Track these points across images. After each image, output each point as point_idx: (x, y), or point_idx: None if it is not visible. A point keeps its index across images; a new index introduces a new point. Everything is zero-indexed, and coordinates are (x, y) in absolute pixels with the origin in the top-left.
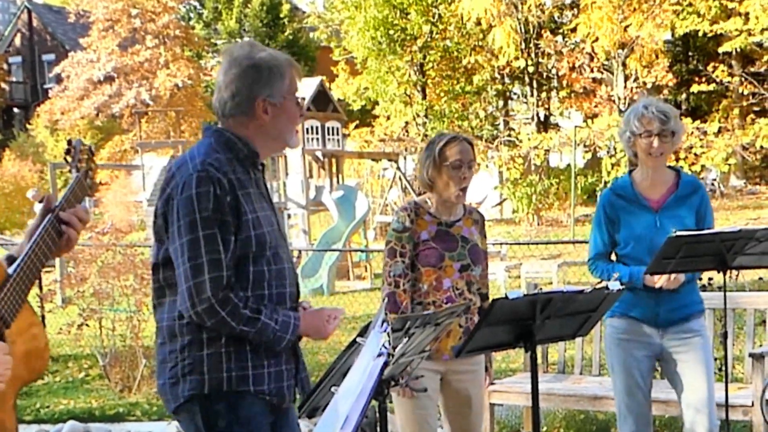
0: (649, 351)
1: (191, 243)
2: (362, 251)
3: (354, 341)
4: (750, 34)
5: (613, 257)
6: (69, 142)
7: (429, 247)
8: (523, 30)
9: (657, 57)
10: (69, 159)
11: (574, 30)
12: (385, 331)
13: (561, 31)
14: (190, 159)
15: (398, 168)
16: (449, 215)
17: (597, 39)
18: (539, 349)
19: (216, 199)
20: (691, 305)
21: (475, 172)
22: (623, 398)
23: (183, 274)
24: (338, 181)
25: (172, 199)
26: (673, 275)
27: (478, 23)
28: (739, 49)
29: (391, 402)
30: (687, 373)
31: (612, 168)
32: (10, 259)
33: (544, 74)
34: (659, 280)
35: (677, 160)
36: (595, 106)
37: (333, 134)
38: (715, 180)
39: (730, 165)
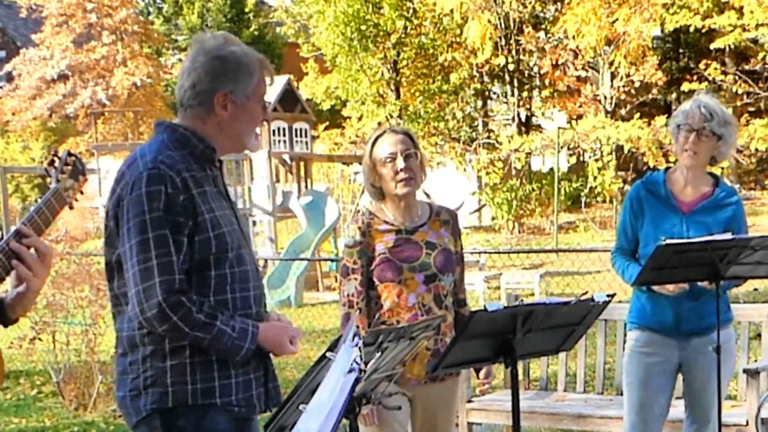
0: (670, 365)
1: (141, 245)
2: (332, 260)
3: (323, 356)
4: (744, 30)
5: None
6: (55, 153)
7: (384, 260)
8: (502, 25)
9: (645, 54)
10: (52, 170)
11: (557, 25)
12: (356, 345)
13: (543, 26)
14: (140, 157)
15: None
16: (410, 220)
17: (582, 35)
18: (520, 364)
19: (167, 198)
20: (713, 315)
21: (428, 165)
22: (631, 417)
23: (132, 277)
24: (307, 186)
25: (122, 200)
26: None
27: (454, 18)
28: (732, 46)
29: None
30: (696, 389)
31: (598, 172)
32: None
33: (526, 72)
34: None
35: (667, 162)
36: (580, 107)
37: (301, 136)
38: None
39: (722, 169)
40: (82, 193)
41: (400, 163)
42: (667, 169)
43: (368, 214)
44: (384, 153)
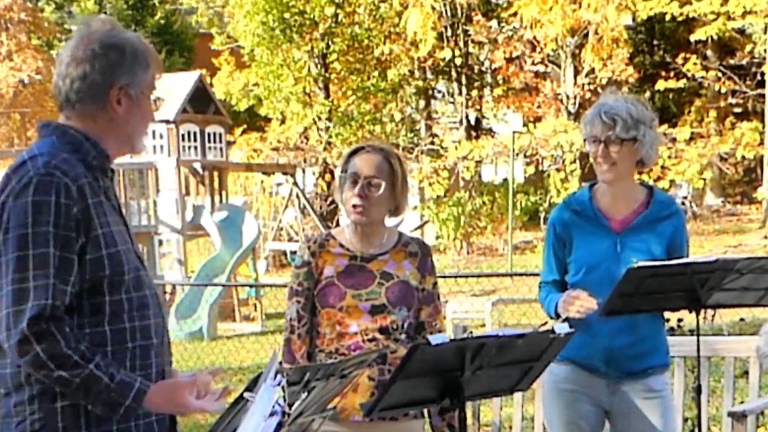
0: (597, 405)
1: (18, 262)
2: (251, 286)
3: (240, 397)
4: (729, 19)
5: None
6: None
7: (330, 284)
8: (448, 13)
9: (616, 46)
10: None
11: (512, 14)
12: (279, 384)
13: (496, 14)
14: (30, 159)
15: (295, 183)
16: (368, 247)
17: (541, 24)
18: (469, 406)
19: (58, 210)
20: (652, 355)
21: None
22: None
23: (4, 298)
24: (221, 200)
25: (5, 206)
26: (581, 304)
27: (392, 4)
28: (715, 37)
29: None
30: None
31: (561, 184)
32: None
33: (475, 67)
34: (571, 308)
35: (640, 173)
36: (538, 107)
37: (215, 141)
38: (686, 198)
39: (704, 180)
40: None
41: (364, 189)
42: (592, 184)
43: (325, 234)
44: (351, 168)
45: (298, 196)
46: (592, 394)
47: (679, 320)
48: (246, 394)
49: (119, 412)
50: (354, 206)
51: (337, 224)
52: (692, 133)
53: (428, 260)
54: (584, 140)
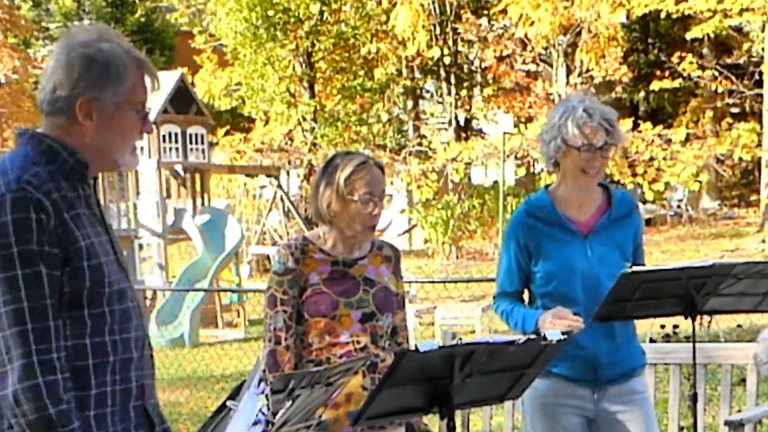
0: (582, 416)
1: (7, 283)
2: (234, 291)
3: (223, 405)
4: (726, 16)
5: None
6: None
7: (318, 292)
8: (437, 11)
9: (609, 44)
10: None
11: (503, 11)
12: (262, 392)
13: (486, 11)
14: (1, 175)
15: (279, 186)
16: (349, 252)
17: (532, 22)
18: (458, 415)
19: (39, 227)
20: (631, 358)
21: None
22: None
23: None
24: (203, 203)
25: None
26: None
27: (380, 2)
28: (711, 35)
29: None
30: None
31: None
32: None
33: (465, 67)
34: (556, 324)
35: (634, 175)
36: (530, 107)
37: (197, 143)
38: (681, 201)
39: (700, 182)
40: None
41: (377, 205)
42: (546, 186)
43: (302, 240)
44: (362, 189)
45: (282, 199)
46: (576, 404)
47: (675, 326)
48: (229, 403)
49: None
50: (371, 218)
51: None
52: (688, 134)
53: (400, 264)
54: (564, 143)
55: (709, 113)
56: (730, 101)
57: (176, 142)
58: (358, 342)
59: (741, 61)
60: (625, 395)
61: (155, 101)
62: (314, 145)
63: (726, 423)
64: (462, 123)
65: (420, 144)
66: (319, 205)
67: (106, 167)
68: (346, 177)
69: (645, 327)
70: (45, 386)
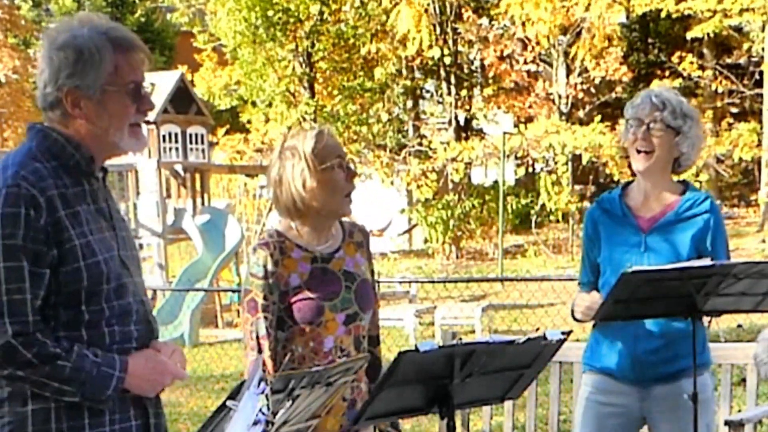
0: (630, 418)
1: None
2: (233, 291)
3: (223, 405)
4: (726, 16)
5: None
6: None
7: (303, 298)
8: (437, 10)
9: (609, 44)
10: None
11: (503, 11)
12: (263, 392)
13: (486, 11)
14: (1, 170)
15: None
16: (324, 244)
17: (532, 22)
18: (458, 415)
19: (27, 223)
20: (683, 359)
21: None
22: None
23: None
24: (203, 203)
25: None
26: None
27: (380, 1)
28: (712, 35)
29: None
30: None
31: (552, 187)
32: None
33: (465, 66)
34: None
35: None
36: (530, 107)
37: (197, 143)
38: None
39: (700, 182)
40: None
41: (351, 171)
42: (627, 183)
43: (277, 235)
44: (332, 155)
45: None
46: (622, 402)
47: None
48: (229, 402)
49: (110, 387)
50: (349, 184)
51: None
52: None
53: (369, 245)
54: (626, 123)
55: (710, 113)
56: (730, 101)
57: (176, 142)
58: (342, 349)
59: (741, 61)
60: (675, 396)
61: (155, 101)
62: None
63: (726, 423)
64: (462, 123)
65: (420, 144)
66: (293, 192)
67: (109, 153)
68: (311, 149)
69: None
70: (11, 325)
